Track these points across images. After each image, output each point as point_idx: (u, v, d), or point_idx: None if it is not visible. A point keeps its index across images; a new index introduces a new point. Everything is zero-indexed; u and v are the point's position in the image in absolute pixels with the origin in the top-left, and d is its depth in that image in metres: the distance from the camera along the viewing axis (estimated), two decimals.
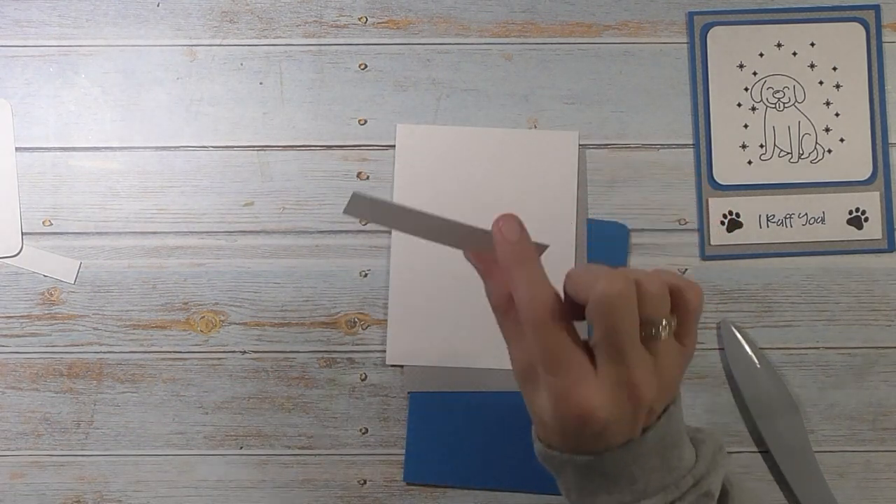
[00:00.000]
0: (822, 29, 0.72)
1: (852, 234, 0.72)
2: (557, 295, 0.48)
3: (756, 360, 0.70)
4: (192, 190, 0.72)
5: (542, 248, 0.50)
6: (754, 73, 0.72)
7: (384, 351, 0.71)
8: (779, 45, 0.72)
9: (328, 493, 0.71)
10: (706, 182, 0.72)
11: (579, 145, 0.72)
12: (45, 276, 0.71)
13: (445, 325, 0.70)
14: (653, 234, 0.72)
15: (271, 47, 0.72)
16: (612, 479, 0.49)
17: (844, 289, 0.72)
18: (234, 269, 0.71)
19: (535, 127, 0.72)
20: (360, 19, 0.72)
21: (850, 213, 0.72)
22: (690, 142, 0.72)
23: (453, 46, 0.72)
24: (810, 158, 0.72)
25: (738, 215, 0.72)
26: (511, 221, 0.49)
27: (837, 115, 0.72)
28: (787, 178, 0.72)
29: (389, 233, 0.71)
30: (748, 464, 0.71)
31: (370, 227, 0.72)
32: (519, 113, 0.72)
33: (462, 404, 0.70)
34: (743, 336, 0.70)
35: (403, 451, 0.71)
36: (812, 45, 0.72)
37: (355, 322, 0.71)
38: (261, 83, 0.72)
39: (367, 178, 0.72)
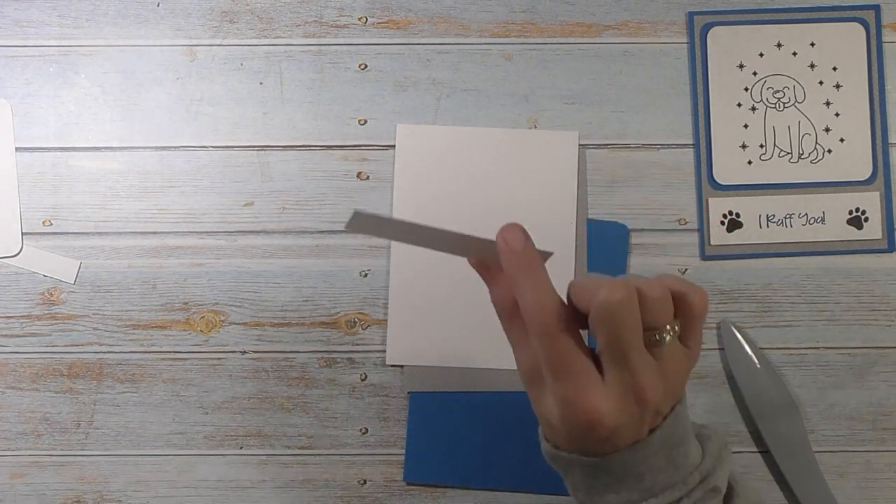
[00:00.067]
0: (822, 29, 0.72)
1: (852, 234, 0.72)
2: (563, 302, 0.48)
3: (756, 360, 0.70)
4: (192, 190, 0.72)
5: (546, 255, 0.50)
6: (754, 73, 0.72)
7: (384, 351, 0.71)
8: (779, 45, 0.72)
9: (328, 493, 0.71)
10: (706, 182, 0.72)
11: (579, 145, 0.72)
12: (45, 276, 0.71)
13: (445, 325, 0.70)
14: (653, 234, 0.72)
15: (271, 47, 0.72)
16: (619, 479, 0.49)
17: (844, 289, 0.72)
18: (234, 269, 0.71)
19: (535, 127, 0.72)
20: (360, 19, 0.72)
21: (850, 213, 0.72)
22: (690, 142, 0.72)
23: (453, 46, 0.72)
24: (810, 158, 0.72)
25: (738, 215, 0.72)
26: (515, 230, 0.49)
27: (837, 115, 0.72)
28: (787, 178, 0.72)
29: None
30: (748, 464, 0.71)
31: None
32: (519, 113, 0.72)
33: (462, 404, 0.70)
34: (743, 336, 0.70)
35: (403, 451, 0.71)
36: (812, 45, 0.72)
37: (355, 322, 0.71)
38: (261, 83, 0.72)
39: (367, 178, 0.72)
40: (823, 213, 0.72)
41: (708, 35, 0.72)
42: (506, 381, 0.70)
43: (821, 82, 0.72)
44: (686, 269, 0.72)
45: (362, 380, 0.71)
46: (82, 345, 0.71)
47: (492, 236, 0.50)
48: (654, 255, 0.72)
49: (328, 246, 0.72)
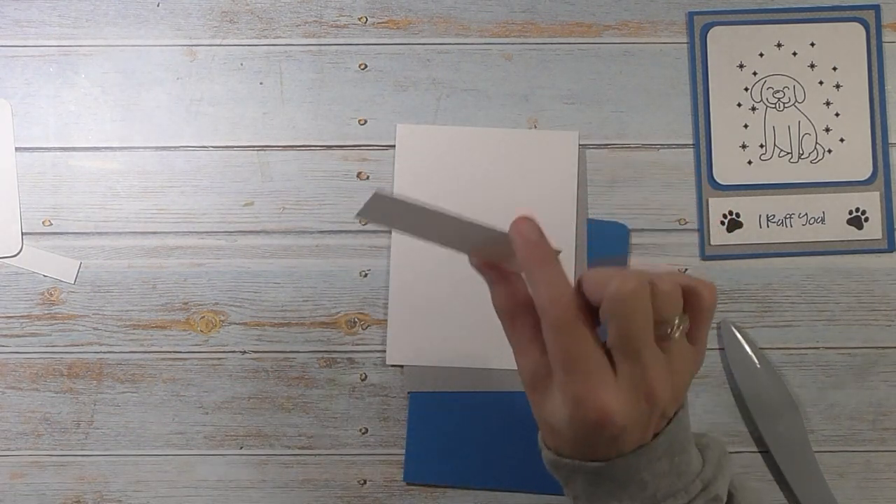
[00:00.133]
0: (822, 29, 0.72)
1: (852, 234, 0.72)
2: (577, 296, 0.47)
3: (756, 360, 0.70)
4: (192, 190, 0.72)
5: (556, 251, 0.50)
6: (754, 73, 0.72)
7: (384, 351, 0.71)
8: (779, 45, 0.72)
9: (328, 493, 0.71)
10: (706, 182, 0.72)
11: (579, 145, 0.72)
12: (45, 276, 0.71)
13: (445, 325, 0.70)
14: (653, 234, 0.72)
15: (271, 47, 0.72)
16: (622, 486, 0.48)
17: (844, 289, 0.72)
18: (234, 269, 0.71)
19: (535, 127, 0.72)
20: (360, 19, 0.72)
21: (850, 213, 0.72)
22: (690, 142, 0.72)
23: (453, 46, 0.72)
24: (810, 158, 0.72)
25: (738, 215, 0.72)
26: (531, 222, 0.48)
27: (837, 115, 0.72)
28: (787, 178, 0.72)
29: (389, 233, 0.71)
30: (748, 464, 0.71)
31: (370, 226, 0.72)
32: (519, 113, 0.72)
33: (462, 404, 0.70)
34: (743, 336, 0.70)
35: (403, 451, 0.71)
36: (812, 45, 0.72)
37: (355, 322, 0.71)
38: (261, 83, 0.72)
39: (367, 178, 0.72)
40: (823, 213, 0.72)
41: (708, 35, 0.72)
42: (506, 381, 0.70)
43: (821, 82, 0.72)
44: (686, 270, 0.72)
45: (362, 380, 0.71)
46: (82, 345, 0.71)
47: None
48: (654, 255, 0.72)
49: (328, 246, 0.72)
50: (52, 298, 0.71)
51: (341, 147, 0.72)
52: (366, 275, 0.71)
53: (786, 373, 0.71)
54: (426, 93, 0.72)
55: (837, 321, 0.72)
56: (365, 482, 0.71)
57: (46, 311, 0.71)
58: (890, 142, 0.72)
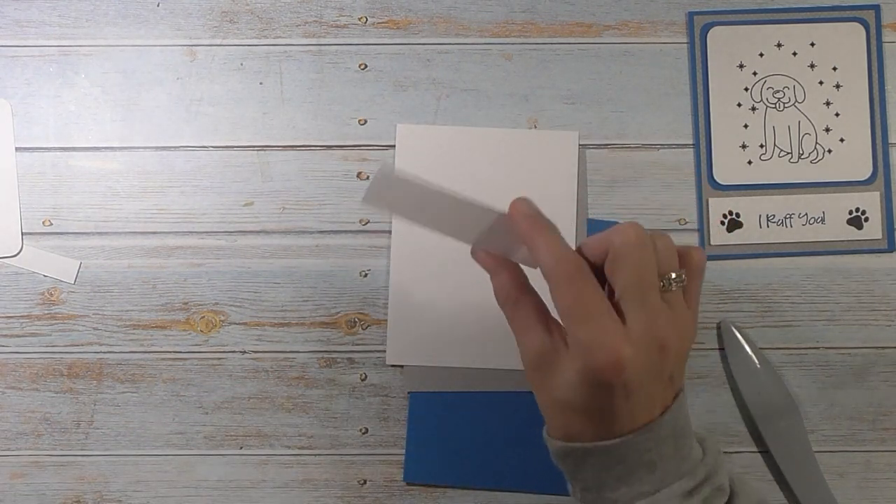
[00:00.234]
0: (822, 29, 0.72)
1: (852, 234, 0.72)
2: (579, 253, 0.50)
3: (756, 360, 0.70)
4: (192, 190, 0.72)
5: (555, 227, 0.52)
6: (754, 73, 0.72)
7: (384, 351, 0.71)
8: (779, 45, 0.72)
9: (328, 493, 0.71)
10: (706, 182, 0.72)
11: (579, 145, 0.72)
12: (45, 276, 0.71)
13: (445, 325, 0.70)
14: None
15: (271, 47, 0.72)
16: (630, 470, 0.49)
17: (844, 289, 0.72)
18: (234, 269, 0.71)
19: (535, 127, 0.72)
20: (360, 19, 0.72)
21: (850, 213, 0.72)
22: (690, 142, 0.72)
23: (453, 46, 0.72)
24: (810, 158, 0.72)
25: (738, 215, 0.72)
26: (527, 200, 0.52)
27: (837, 115, 0.72)
28: (787, 178, 0.72)
29: (389, 233, 0.71)
30: (748, 464, 0.71)
31: (370, 226, 0.72)
32: (519, 113, 0.72)
33: (462, 404, 0.70)
34: (743, 336, 0.70)
35: (403, 451, 0.71)
36: (812, 45, 0.72)
37: (355, 322, 0.71)
38: (261, 83, 0.72)
39: (367, 178, 0.72)
40: (823, 213, 0.72)
41: (708, 35, 0.72)
42: (506, 381, 0.70)
43: (821, 82, 0.72)
44: None
45: (362, 380, 0.71)
46: (82, 345, 0.71)
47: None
48: None
49: (328, 246, 0.72)
50: (52, 298, 0.71)
51: (341, 147, 0.72)
52: (366, 275, 0.71)
53: (786, 373, 0.71)
54: (426, 93, 0.72)
55: (837, 321, 0.72)
56: (365, 482, 0.71)
57: (46, 311, 0.71)
58: (890, 142, 0.72)
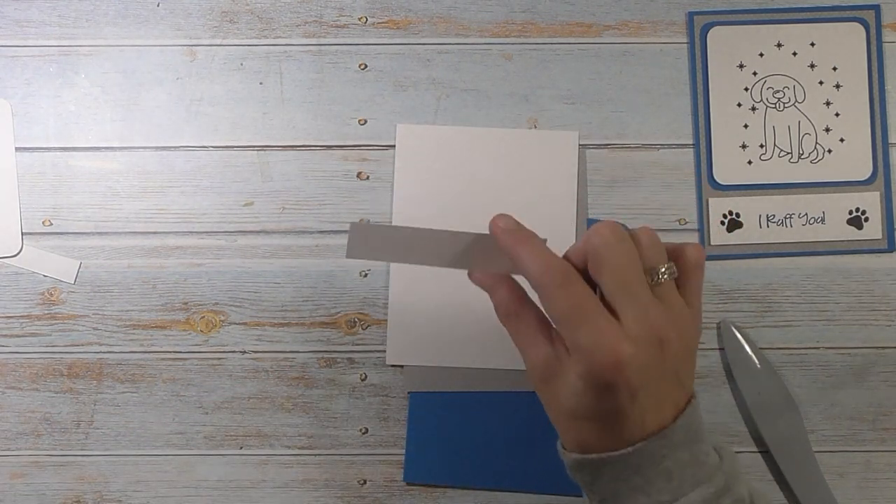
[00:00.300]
0: (822, 29, 0.72)
1: (852, 234, 0.72)
2: (567, 260, 0.50)
3: (756, 360, 0.70)
4: (192, 190, 0.72)
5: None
6: (754, 73, 0.72)
7: (384, 351, 0.71)
8: (779, 45, 0.72)
9: (328, 493, 0.71)
10: (706, 182, 0.72)
11: (579, 145, 0.72)
12: (45, 276, 0.71)
13: (445, 325, 0.70)
14: None
15: (271, 47, 0.72)
16: (648, 479, 0.48)
17: (844, 289, 0.72)
18: (234, 269, 0.71)
19: (535, 127, 0.72)
20: (360, 19, 0.72)
21: (850, 213, 0.72)
22: (690, 142, 0.72)
23: (453, 46, 0.72)
24: (810, 158, 0.72)
25: (738, 215, 0.72)
26: (506, 216, 0.52)
27: (837, 115, 0.72)
28: (787, 178, 0.72)
29: None
30: (748, 464, 0.71)
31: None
32: (519, 113, 0.72)
33: (462, 404, 0.70)
34: (743, 336, 0.70)
35: (403, 451, 0.71)
36: (812, 45, 0.72)
37: (355, 322, 0.71)
38: (261, 83, 0.72)
39: (367, 178, 0.72)
40: (823, 213, 0.72)
41: (708, 35, 0.72)
42: (506, 381, 0.70)
43: (821, 82, 0.72)
44: None
45: (362, 380, 0.71)
46: (82, 345, 0.71)
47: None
48: None
49: (328, 246, 0.72)
50: (52, 298, 0.71)
51: (341, 147, 0.72)
52: (366, 275, 0.71)
53: (786, 373, 0.71)
54: (426, 93, 0.72)
55: (837, 321, 0.72)
56: (365, 482, 0.71)
57: (46, 311, 0.71)
58: (890, 142, 0.72)
